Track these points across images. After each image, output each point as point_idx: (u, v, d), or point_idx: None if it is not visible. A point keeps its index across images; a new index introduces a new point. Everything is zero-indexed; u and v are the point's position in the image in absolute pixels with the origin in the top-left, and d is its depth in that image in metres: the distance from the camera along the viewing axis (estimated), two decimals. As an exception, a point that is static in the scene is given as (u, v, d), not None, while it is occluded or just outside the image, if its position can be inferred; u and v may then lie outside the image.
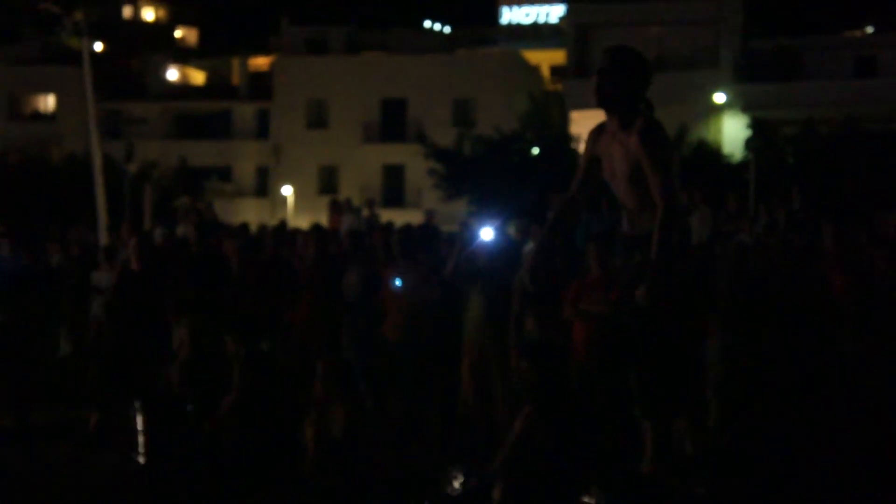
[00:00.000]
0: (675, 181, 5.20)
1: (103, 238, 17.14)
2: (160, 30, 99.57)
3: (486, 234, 9.06)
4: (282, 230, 16.26)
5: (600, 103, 5.41)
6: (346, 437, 6.94)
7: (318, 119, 48.26)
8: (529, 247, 9.32)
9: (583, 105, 39.77)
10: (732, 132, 37.29)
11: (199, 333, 7.60)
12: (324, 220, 22.29)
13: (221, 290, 9.02)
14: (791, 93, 38.21)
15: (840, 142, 29.99)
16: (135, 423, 7.68)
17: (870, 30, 69.92)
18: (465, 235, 10.45)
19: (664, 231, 5.08)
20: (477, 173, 32.44)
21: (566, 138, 34.85)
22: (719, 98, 36.72)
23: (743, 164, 29.68)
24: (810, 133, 31.35)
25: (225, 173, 49.18)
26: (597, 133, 5.55)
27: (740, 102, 38.29)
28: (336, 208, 19.59)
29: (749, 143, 29.27)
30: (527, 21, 58.69)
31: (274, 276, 9.74)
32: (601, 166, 5.51)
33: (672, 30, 42.42)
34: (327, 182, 47.28)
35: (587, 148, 5.61)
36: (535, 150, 33.38)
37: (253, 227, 22.55)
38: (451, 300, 9.06)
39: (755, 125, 34.08)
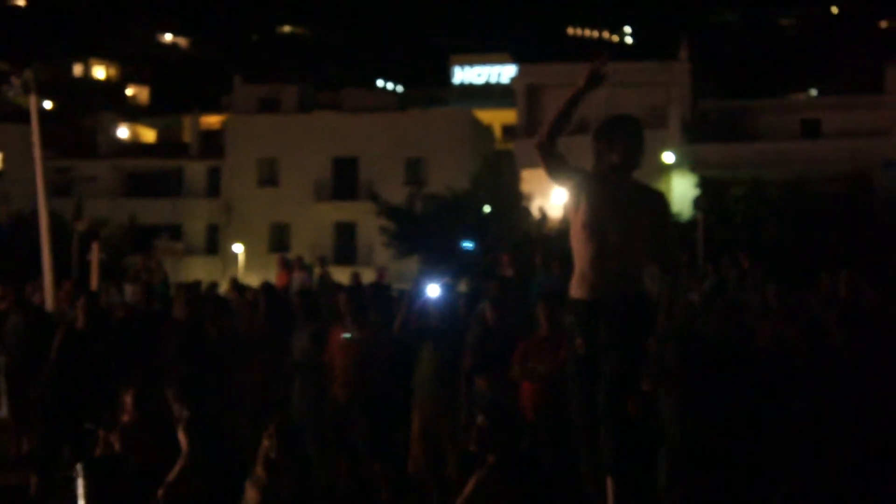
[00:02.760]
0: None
1: (49, 297, 16.85)
2: (111, 88, 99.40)
3: (433, 290, 9.04)
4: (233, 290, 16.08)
5: (636, 167, 5.44)
6: (293, 501, 6.83)
7: (269, 177, 48.19)
8: (484, 306, 9.29)
9: (534, 164, 40.05)
10: (681, 191, 37.68)
11: (144, 396, 7.47)
12: (274, 277, 22.16)
13: (167, 351, 8.89)
14: (739, 153, 38.74)
15: (787, 202, 30.41)
16: (76, 488, 7.50)
17: (814, 93, 71.62)
18: (414, 293, 10.42)
19: (676, 293, 5.35)
20: (429, 231, 32.46)
21: (517, 196, 35.02)
22: (668, 158, 37.15)
23: (691, 223, 29.93)
24: (758, 193, 31.76)
25: (175, 231, 48.83)
26: (584, 180, 5.54)
27: (689, 162, 38.78)
28: (286, 266, 19.48)
29: (697, 202, 29.58)
30: (479, 81, 59.33)
31: (216, 338, 9.61)
32: (581, 214, 5.43)
33: (621, 91, 42.90)
34: (278, 240, 47.08)
35: (572, 167, 5.61)
36: (487, 209, 33.49)
37: (204, 286, 22.38)
38: (401, 357, 9.01)
39: (704, 184, 34.50)
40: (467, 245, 32.09)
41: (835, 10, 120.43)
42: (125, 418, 7.46)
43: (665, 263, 5.40)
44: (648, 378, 5.18)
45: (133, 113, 74.73)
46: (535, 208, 32.77)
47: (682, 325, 8.91)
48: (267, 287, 11.41)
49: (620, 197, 5.41)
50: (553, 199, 31.48)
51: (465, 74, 59.72)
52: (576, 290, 5.46)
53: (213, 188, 49.36)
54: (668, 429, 7.75)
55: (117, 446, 7.47)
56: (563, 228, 27.41)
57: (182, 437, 7.34)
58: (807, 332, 8.36)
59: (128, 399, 7.42)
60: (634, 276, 5.37)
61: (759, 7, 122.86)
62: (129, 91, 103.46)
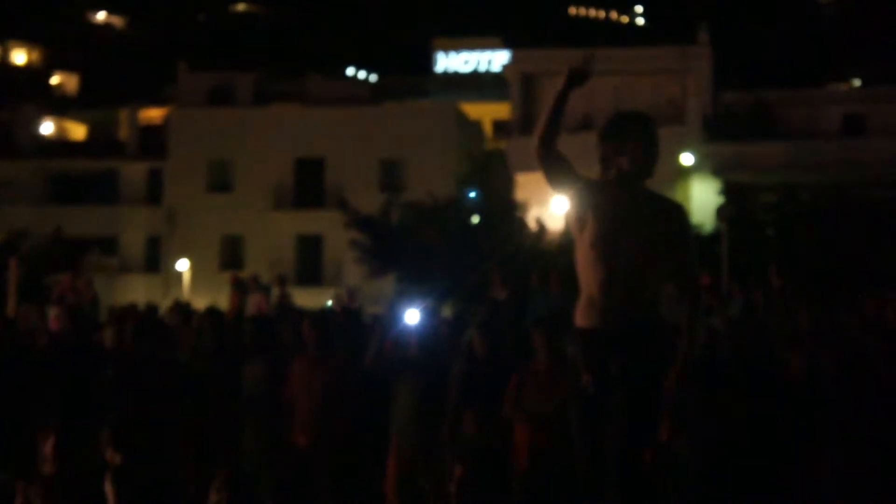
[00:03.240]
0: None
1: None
2: (34, 76, 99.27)
3: (412, 316, 9.05)
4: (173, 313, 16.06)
5: (649, 174, 5.52)
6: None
7: (220, 181, 48.12)
8: (471, 332, 9.31)
9: (530, 166, 40.19)
10: (702, 198, 37.81)
11: (69, 441, 7.42)
12: (225, 300, 22.13)
13: (96, 389, 8.85)
14: (769, 154, 38.92)
15: (825, 210, 30.55)
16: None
17: (857, 83, 71.98)
18: (389, 318, 10.41)
19: (695, 317, 5.41)
20: (407, 245, 32.46)
21: (510, 205, 35.08)
22: (686, 159, 37.30)
23: (714, 236, 30.05)
24: (791, 200, 31.90)
25: (109, 245, 48.67)
26: (590, 192, 5.55)
27: (710, 164, 38.94)
28: (239, 287, 19.47)
29: (721, 212, 29.73)
30: (465, 69, 59.47)
31: (158, 371, 9.58)
32: (590, 233, 5.45)
33: (631, 81, 43.20)
34: (230, 255, 46.96)
35: (575, 173, 5.62)
36: (475, 219, 33.51)
37: (142, 308, 22.32)
38: (374, 394, 9.00)
39: (728, 191, 34.63)
40: (471, 195, 32.07)
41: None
42: (46, 468, 7.41)
43: (683, 286, 5.42)
44: (667, 422, 5.19)
45: (59, 105, 74.56)
46: (531, 218, 32.82)
47: (702, 355, 8.94)
48: (212, 312, 11.38)
49: (632, 211, 5.42)
50: (552, 207, 31.53)
51: (450, 61, 59.82)
52: (582, 317, 5.46)
53: (154, 194, 49.25)
54: (684, 473, 7.77)
55: (38, 502, 7.43)
56: (564, 242, 27.47)
57: (109, 489, 7.30)
58: (847, 363, 8.39)
59: (48, 446, 7.37)
60: (649, 301, 5.39)
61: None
62: (55, 79, 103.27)
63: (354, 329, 10.98)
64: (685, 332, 5.33)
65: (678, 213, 5.52)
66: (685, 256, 5.45)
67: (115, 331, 10.01)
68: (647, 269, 5.37)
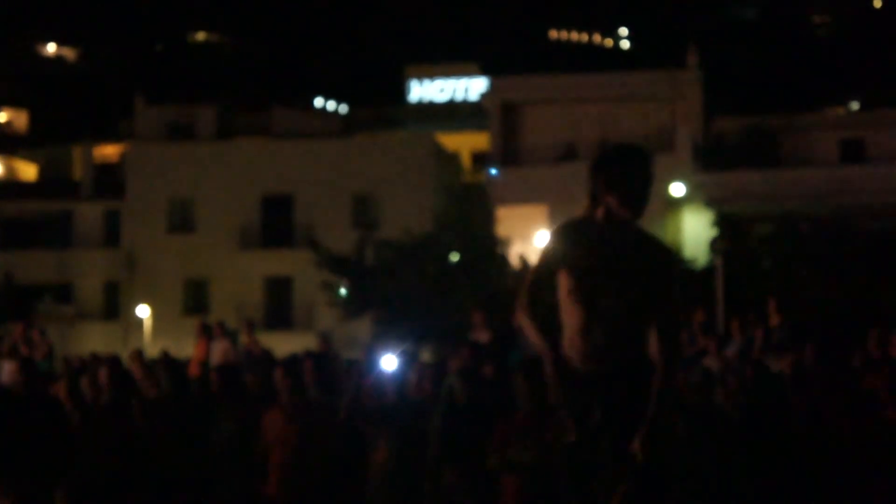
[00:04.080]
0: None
1: None
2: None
3: (388, 362, 9.05)
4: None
5: (639, 213, 5.51)
6: None
7: (182, 221, 48.07)
8: (451, 379, 9.31)
9: (512, 199, 40.40)
10: (694, 231, 37.96)
11: (26, 501, 7.39)
12: (190, 347, 22.07)
13: (57, 445, 8.80)
14: (764, 183, 39.07)
15: (825, 241, 30.68)
16: None
17: (855, 106, 72.54)
18: (366, 363, 10.42)
19: (668, 382, 5.29)
20: (383, 286, 32.47)
21: (491, 240, 35.14)
22: (677, 190, 37.44)
23: (708, 270, 30.14)
24: (789, 231, 32.04)
25: (64, 292, 48.47)
26: (570, 237, 5.53)
27: (703, 195, 39.10)
28: (206, 333, 19.41)
29: (715, 245, 29.81)
30: (441, 98, 59.69)
31: (119, 425, 9.55)
32: (569, 281, 5.48)
33: (618, 108, 43.43)
34: (194, 300, 46.85)
35: (550, 257, 5.56)
36: (455, 257, 33.56)
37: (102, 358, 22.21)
38: (351, 446, 8.98)
39: (722, 222, 34.75)
40: (493, 172, 31.89)
41: (878, 3, 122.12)
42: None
43: (661, 339, 5.39)
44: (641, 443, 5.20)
45: (8, 143, 74.41)
46: (513, 255, 32.87)
47: (697, 399, 8.97)
48: (167, 359, 11.34)
49: (617, 254, 5.43)
50: (536, 242, 31.62)
51: (425, 90, 60.03)
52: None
53: (112, 236, 49.15)
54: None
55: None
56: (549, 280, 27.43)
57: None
58: (852, 405, 8.43)
59: (5, 507, 7.34)
60: (634, 341, 5.41)
61: (785, 2, 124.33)
62: (2, 116, 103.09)
63: (328, 377, 10.96)
64: (654, 391, 5.29)
65: (665, 258, 5.50)
66: (666, 308, 5.41)
67: (87, 381, 9.97)
68: (630, 313, 5.39)
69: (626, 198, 5.46)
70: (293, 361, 9.32)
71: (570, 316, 5.47)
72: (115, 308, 48.38)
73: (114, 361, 11.17)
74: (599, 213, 5.50)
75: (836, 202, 35.57)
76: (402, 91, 60.41)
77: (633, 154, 5.61)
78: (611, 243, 5.45)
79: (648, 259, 5.44)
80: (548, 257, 5.53)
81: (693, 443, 8.43)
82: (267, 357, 17.09)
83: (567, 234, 5.53)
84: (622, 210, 5.47)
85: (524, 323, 5.59)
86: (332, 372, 12.21)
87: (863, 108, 67.69)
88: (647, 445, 5.15)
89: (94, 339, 42.27)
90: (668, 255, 5.57)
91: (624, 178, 5.47)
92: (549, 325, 5.53)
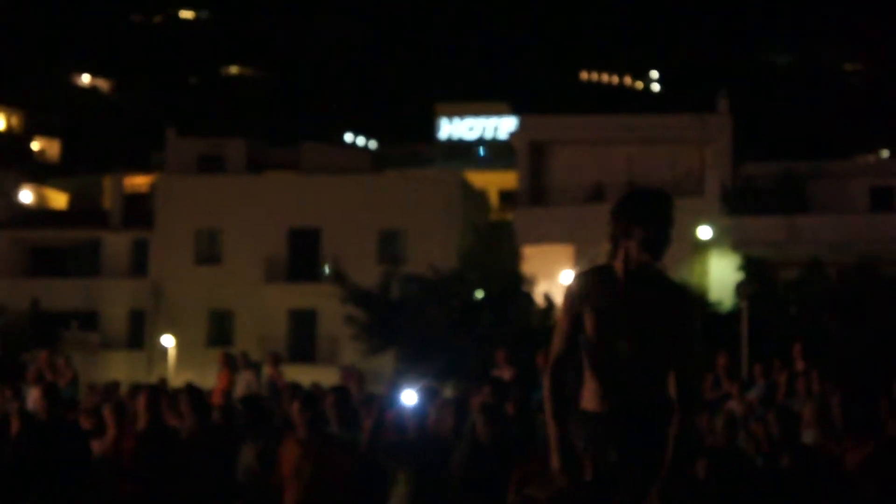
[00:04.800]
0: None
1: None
2: (13, 141, 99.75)
3: (409, 397, 9.02)
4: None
5: (659, 258, 5.50)
6: None
7: (208, 253, 48.21)
8: (475, 416, 9.26)
9: (538, 238, 40.34)
10: (721, 274, 37.82)
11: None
12: (213, 378, 22.08)
13: (78, 472, 8.82)
14: (792, 228, 38.96)
15: (852, 287, 30.55)
16: None
17: (885, 154, 72.32)
18: (387, 398, 10.39)
19: (685, 427, 5.24)
20: (407, 321, 32.46)
21: (517, 279, 35.11)
22: (704, 233, 37.37)
23: (733, 314, 30.03)
24: (817, 277, 31.92)
25: (90, 320, 48.64)
26: (591, 280, 5.55)
27: (730, 239, 38.99)
28: (229, 364, 19.40)
29: (741, 289, 29.69)
30: (470, 136, 59.89)
31: (151, 454, 9.56)
32: (589, 323, 5.51)
33: (647, 150, 43.43)
34: (219, 331, 46.89)
35: (574, 299, 5.58)
36: (479, 294, 33.54)
37: (124, 388, 22.26)
38: (369, 483, 8.94)
39: (748, 266, 34.65)
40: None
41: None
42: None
43: (678, 390, 5.37)
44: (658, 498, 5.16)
45: (40, 172, 74.92)
46: (538, 294, 32.85)
47: (722, 443, 8.90)
48: (191, 390, 11.34)
49: (636, 301, 5.43)
50: (561, 281, 31.54)
51: (454, 128, 60.25)
52: (585, 400, 5.49)
53: (139, 266, 49.32)
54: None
55: None
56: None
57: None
58: (877, 452, 8.35)
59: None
60: (652, 383, 5.38)
61: (816, 49, 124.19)
62: (36, 145, 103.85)
63: (348, 411, 10.94)
64: (670, 444, 5.24)
65: (684, 301, 5.46)
66: (684, 351, 5.38)
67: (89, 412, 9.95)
68: (649, 356, 5.38)
69: (646, 241, 5.45)
70: (311, 395, 9.30)
71: (588, 358, 5.47)
72: (139, 337, 48.48)
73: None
74: (620, 256, 5.49)
75: (864, 249, 35.37)
76: (431, 128, 60.64)
77: (654, 197, 5.60)
78: (630, 286, 5.44)
79: (667, 302, 5.42)
80: (572, 301, 5.53)
81: (715, 486, 8.37)
82: (294, 389, 17.07)
83: (588, 278, 5.53)
84: (642, 254, 5.46)
85: (545, 395, 5.59)
86: (354, 407, 12.20)
87: (893, 155, 67.43)
88: (664, 493, 5.12)
89: (118, 368, 42.37)
90: (687, 299, 5.53)
91: (644, 221, 5.47)
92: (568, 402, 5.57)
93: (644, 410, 5.32)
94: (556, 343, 5.57)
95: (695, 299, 5.58)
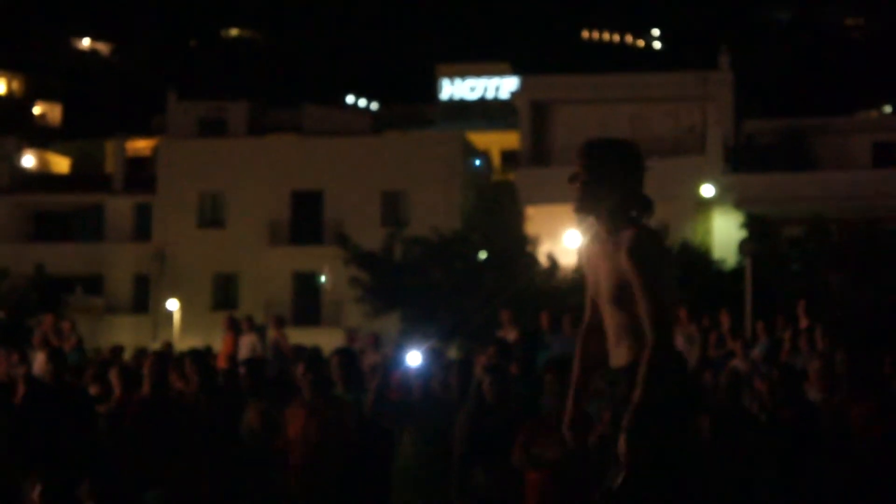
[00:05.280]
0: (668, 309, 5.23)
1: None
2: (14, 106, 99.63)
3: (414, 358, 9.02)
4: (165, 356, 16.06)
5: (578, 210, 5.49)
6: None
7: (212, 216, 48.23)
8: (481, 376, 9.27)
9: (541, 199, 40.29)
10: (724, 233, 37.79)
11: (55, 495, 7.38)
12: (218, 341, 22.13)
13: (84, 437, 8.83)
14: (795, 185, 38.92)
15: (855, 244, 30.51)
16: None
17: (888, 109, 72.13)
18: (392, 360, 10.39)
19: (652, 372, 5.11)
20: (411, 283, 32.47)
21: (521, 240, 35.09)
22: (707, 191, 37.31)
23: (737, 272, 30.01)
24: (819, 234, 31.88)
25: (94, 284, 48.71)
26: (590, 240, 5.60)
27: (733, 196, 38.94)
28: (234, 327, 19.45)
29: (744, 247, 29.65)
30: (472, 97, 59.63)
31: (155, 418, 9.57)
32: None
33: (648, 108, 43.30)
34: (224, 294, 46.99)
35: (583, 259, 5.67)
36: (483, 255, 33.52)
37: (129, 351, 22.32)
38: (375, 444, 8.96)
39: (751, 224, 34.58)
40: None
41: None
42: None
43: (647, 318, 5.29)
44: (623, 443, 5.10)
45: (42, 137, 74.85)
46: (542, 254, 32.82)
47: (726, 400, 8.89)
48: (196, 354, 11.34)
49: (594, 254, 5.48)
50: (565, 241, 31.53)
51: (456, 89, 60.00)
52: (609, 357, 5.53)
53: (143, 230, 49.35)
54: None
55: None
56: (578, 279, 27.45)
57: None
58: (883, 410, 8.35)
59: (35, 495, 7.33)
60: (633, 337, 5.33)
61: (818, 4, 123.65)
62: (37, 110, 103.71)
63: (353, 373, 10.96)
64: (638, 379, 5.07)
65: (633, 260, 5.27)
66: (645, 305, 5.30)
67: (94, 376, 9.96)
68: (622, 317, 5.35)
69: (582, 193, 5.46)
70: (315, 356, 9.30)
71: (609, 323, 5.48)
72: (144, 301, 48.56)
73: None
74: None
75: (867, 205, 35.32)
76: (433, 89, 60.39)
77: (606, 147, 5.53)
78: (592, 244, 5.52)
79: (617, 255, 5.37)
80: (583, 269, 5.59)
81: (719, 444, 8.38)
82: (298, 351, 17.11)
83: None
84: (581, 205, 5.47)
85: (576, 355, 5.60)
86: (359, 368, 12.21)
87: (895, 111, 67.21)
88: (632, 438, 5.04)
89: (123, 332, 42.43)
90: (628, 250, 5.30)
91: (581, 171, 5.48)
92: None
93: (633, 366, 5.31)
94: (585, 309, 5.62)
95: (658, 245, 5.41)
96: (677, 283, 5.54)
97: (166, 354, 14.71)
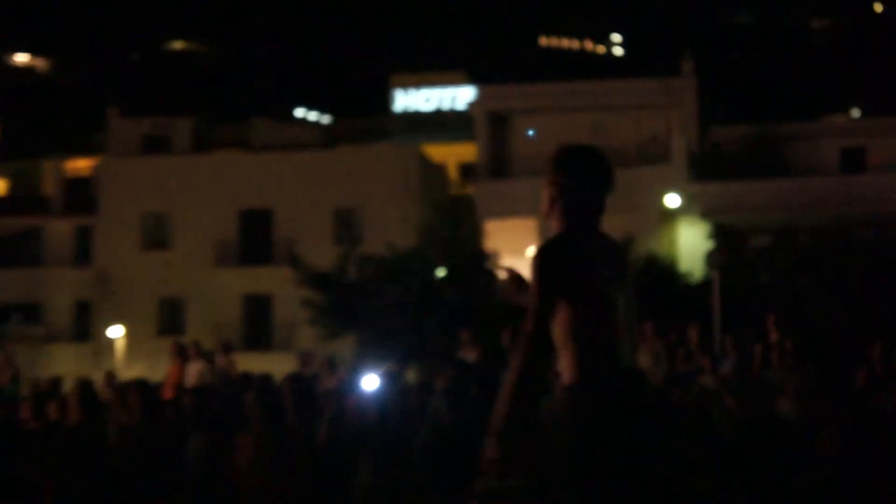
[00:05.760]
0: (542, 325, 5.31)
1: None
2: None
3: (370, 382, 8.98)
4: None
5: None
6: None
7: (156, 238, 47.98)
8: (437, 399, 9.22)
9: (500, 213, 40.35)
10: (690, 244, 37.96)
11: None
12: (164, 369, 21.96)
13: (16, 470, 8.73)
14: (762, 193, 39.14)
15: (826, 253, 30.68)
16: None
17: (856, 114, 72.79)
18: (347, 385, 10.33)
19: (516, 375, 5.29)
20: (366, 303, 32.41)
21: (480, 256, 35.10)
22: (672, 201, 37.46)
23: (704, 285, 30.12)
24: (789, 243, 32.05)
25: (33, 311, 48.35)
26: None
27: (699, 206, 39.12)
28: (180, 354, 19.30)
29: (711, 258, 29.79)
30: (427, 108, 59.69)
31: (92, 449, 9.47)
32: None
33: (610, 117, 43.44)
34: (169, 319, 46.72)
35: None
36: (441, 272, 33.50)
37: (69, 382, 22.10)
38: (329, 475, 8.89)
39: (718, 234, 34.74)
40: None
41: (879, 7, 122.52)
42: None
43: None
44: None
45: (-24, 158, 74.24)
46: (503, 269, 32.82)
47: (694, 417, 8.88)
48: (141, 384, 11.24)
49: None
50: (527, 255, 31.54)
51: (410, 100, 60.04)
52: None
53: (83, 253, 49.04)
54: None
55: None
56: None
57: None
58: (858, 426, 8.36)
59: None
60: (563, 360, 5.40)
61: (783, 6, 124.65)
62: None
63: (306, 399, 10.89)
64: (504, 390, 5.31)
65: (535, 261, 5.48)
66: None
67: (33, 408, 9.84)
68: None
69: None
70: (266, 383, 9.23)
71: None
72: (86, 328, 48.21)
73: (84, 385, 11.10)
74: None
75: (837, 212, 35.61)
76: (386, 101, 60.42)
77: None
78: None
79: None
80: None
81: (689, 463, 8.36)
82: (244, 379, 16.98)
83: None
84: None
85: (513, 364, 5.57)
86: (312, 394, 12.14)
87: (864, 115, 67.85)
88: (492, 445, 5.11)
89: (64, 361, 42.14)
90: (535, 255, 5.49)
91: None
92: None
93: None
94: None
95: (538, 255, 5.52)
96: (632, 295, 5.51)
97: (89, 382, 14.58)
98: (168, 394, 17.04)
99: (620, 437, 5.08)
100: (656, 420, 5.22)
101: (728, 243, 33.14)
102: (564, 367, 5.30)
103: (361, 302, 32.56)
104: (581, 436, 5.08)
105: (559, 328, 5.34)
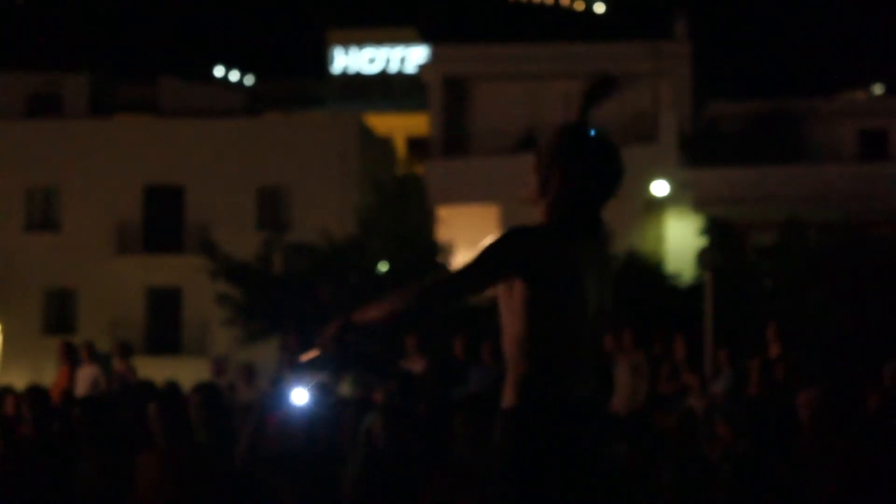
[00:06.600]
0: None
1: None
2: None
3: (298, 396, 9.03)
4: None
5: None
6: None
7: (43, 218, 47.77)
8: (371, 418, 9.29)
9: (455, 197, 40.43)
10: (679, 240, 38.16)
11: None
12: (50, 373, 21.92)
13: None
14: (766, 182, 39.32)
15: (838, 254, 30.93)
16: None
17: (879, 91, 73.28)
18: (270, 399, 10.37)
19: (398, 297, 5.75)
20: (294, 301, 32.43)
21: (430, 246, 35.17)
22: (659, 189, 37.62)
23: (695, 289, 30.31)
24: (795, 242, 32.27)
25: None
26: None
27: (691, 195, 39.30)
28: (70, 356, 19.26)
29: (704, 258, 29.99)
30: (371, 70, 59.75)
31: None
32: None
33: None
34: (58, 315, 46.55)
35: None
36: (384, 266, 33.56)
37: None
38: (245, 500, 8.94)
39: (713, 229, 34.97)
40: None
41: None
42: None
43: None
44: None
45: None
46: (457, 264, 32.95)
47: (677, 445, 9.00)
48: (35, 393, 11.26)
49: None
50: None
51: (351, 60, 60.10)
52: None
53: (-45, 235, 48.79)
54: None
55: None
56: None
57: None
58: (870, 455, 8.48)
59: None
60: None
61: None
62: None
63: (220, 414, 10.94)
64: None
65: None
66: None
67: None
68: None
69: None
70: (172, 394, 9.25)
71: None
72: (-42, 325, 47.99)
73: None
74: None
75: (852, 206, 35.85)
76: (322, 61, 60.40)
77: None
78: None
79: None
80: None
81: (675, 496, 8.48)
82: (145, 388, 16.97)
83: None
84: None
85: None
86: (227, 408, 12.18)
87: (888, 92, 68.39)
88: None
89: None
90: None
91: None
92: None
93: None
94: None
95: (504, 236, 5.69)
96: (609, 298, 5.59)
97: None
98: (54, 403, 17.01)
99: (552, 486, 5.14)
100: (603, 466, 5.28)
101: (724, 240, 33.34)
102: (508, 382, 5.38)
103: (288, 299, 32.58)
104: (509, 476, 5.17)
105: (509, 337, 5.42)
